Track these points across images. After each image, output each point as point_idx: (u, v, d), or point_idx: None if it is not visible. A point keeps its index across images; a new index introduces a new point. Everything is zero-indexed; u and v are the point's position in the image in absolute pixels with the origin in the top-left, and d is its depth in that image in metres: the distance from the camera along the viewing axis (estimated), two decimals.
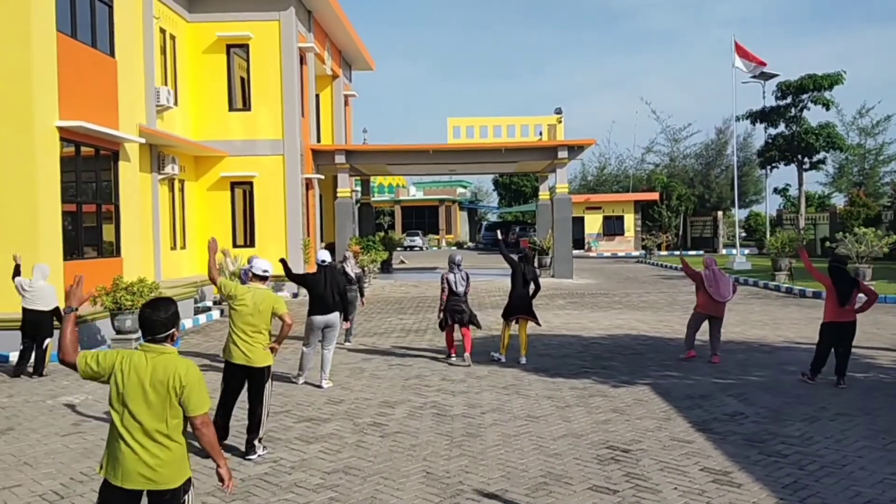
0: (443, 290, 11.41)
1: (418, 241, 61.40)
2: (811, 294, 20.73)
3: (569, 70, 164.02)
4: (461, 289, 11.34)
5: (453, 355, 11.76)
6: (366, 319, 17.21)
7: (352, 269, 13.79)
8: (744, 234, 66.67)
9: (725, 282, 11.63)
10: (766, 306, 18.73)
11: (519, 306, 11.63)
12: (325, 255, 10.43)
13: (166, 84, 22.54)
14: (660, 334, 14.34)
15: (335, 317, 10.15)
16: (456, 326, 11.61)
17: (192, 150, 23.64)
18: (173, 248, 22.84)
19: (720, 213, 49.04)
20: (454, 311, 11.28)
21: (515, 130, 28.78)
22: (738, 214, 65.83)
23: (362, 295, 13.91)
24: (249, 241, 24.93)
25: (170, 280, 21.30)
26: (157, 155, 21.51)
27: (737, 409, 8.53)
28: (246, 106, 24.76)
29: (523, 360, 11.51)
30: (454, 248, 65.95)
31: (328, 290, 10.05)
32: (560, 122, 28.17)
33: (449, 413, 8.56)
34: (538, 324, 11.89)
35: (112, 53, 17.29)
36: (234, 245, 24.70)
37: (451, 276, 11.36)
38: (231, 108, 24.69)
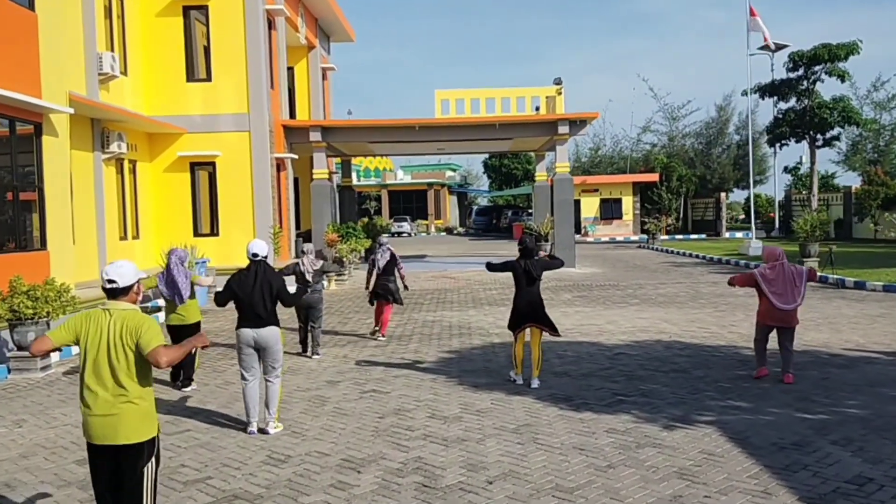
0: (369, 272, 12.53)
1: (406, 226, 58.64)
2: (852, 284, 18.12)
3: (561, 54, 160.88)
4: (382, 264, 12.33)
5: (377, 329, 12.67)
6: (340, 322, 14.48)
7: (309, 266, 11.05)
8: (742, 217, 64.31)
9: (791, 282, 8.86)
10: (808, 300, 16.06)
11: (527, 312, 8.93)
12: (259, 247, 7.62)
13: (112, 50, 19.63)
14: (697, 339, 11.66)
15: (271, 333, 7.38)
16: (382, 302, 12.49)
17: (145, 126, 20.77)
18: (123, 237, 20.02)
19: (723, 195, 46.39)
20: (383, 288, 12.31)
21: (510, 104, 25.97)
22: (740, 196, 63.70)
23: (338, 265, 11.51)
24: (213, 230, 22.16)
25: None
26: (100, 131, 18.63)
27: (859, 471, 5.86)
28: (206, 76, 21.88)
29: (535, 384, 8.79)
30: (443, 233, 63.19)
31: (257, 293, 7.34)
32: (560, 93, 25.40)
33: (440, 482, 5.84)
34: (555, 333, 9.13)
35: (31, 6, 14.37)
36: (196, 234, 21.96)
37: (376, 257, 12.44)
38: (189, 79, 21.81)
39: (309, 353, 11.15)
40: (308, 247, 11.45)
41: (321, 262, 11.37)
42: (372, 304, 12.65)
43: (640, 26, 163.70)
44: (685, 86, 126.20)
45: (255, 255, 7.52)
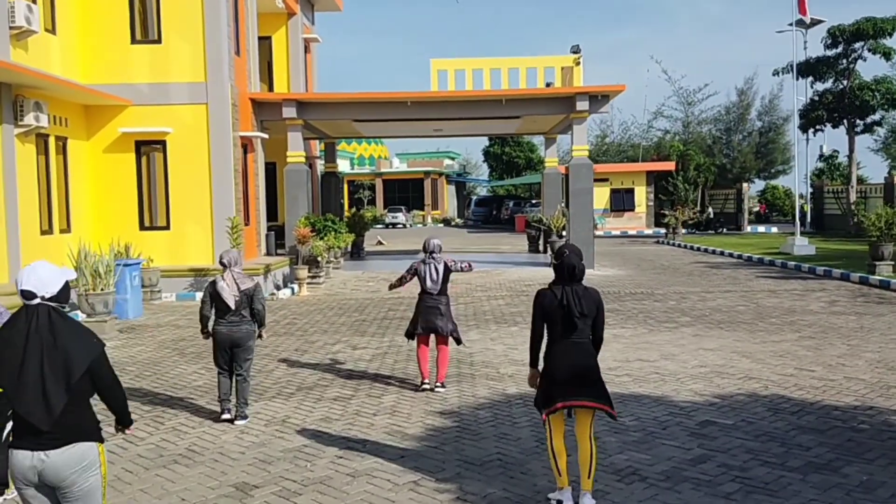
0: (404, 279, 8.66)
1: (401, 217, 54.99)
2: None
3: (559, 43, 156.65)
4: (433, 285, 8.37)
5: (426, 381, 8.47)
6: (298, 350, 10.74)
7: (231, 285, 7.30)
8: (757, 210, 60.50)
9: None
10: None
11: (570, 380, 5.08)
12: (38, 279, 3.61)
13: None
14: (809, 394, 7.92)
15: (71, 458, 3.54)
16: (431, 338, 8.54)
17: (76, 96, 16.99)
18: (47, 231, 16.26)
19: (745, 186, 42.57)
20: (430, 318, 8.36)
21: (519, 76, 22.20)
22: (755, 188, 59.73)
23: (261, 325, 7.51)
24: (164, 222, 18.42)
25: None
26: (10, 99, 14.87)
27: None
28: (156, 37, 18.12)
29: None
30: (440, 225, 59.44)
31: (32, 377, 3.45)
32: (578, 63, 21.62)
33: None
34: (612, 414, 5.21)
35: None
36: (143, 227, 18.28)
37: (421, 270, 8.48)
38: (135, 40, 18.07)
39: (231, 416, 7.40)
40: (232, 256, 7.52)
41: (252, 281, 7.48)
42: (411, 339, 8.66)
43: (639, 15, 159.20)
44: (699, 70, 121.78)
45: (27, 293, 3.57)
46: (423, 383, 8.44)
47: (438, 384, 8.36)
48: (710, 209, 33.87)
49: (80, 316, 12.71)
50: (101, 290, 12.13)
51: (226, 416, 7.37)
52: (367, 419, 7.24)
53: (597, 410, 5.15)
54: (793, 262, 20.80)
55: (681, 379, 8.58)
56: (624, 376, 8.67)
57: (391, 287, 8.93)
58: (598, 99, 20.72)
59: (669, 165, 43.28)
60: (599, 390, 5.14)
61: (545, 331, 5.23)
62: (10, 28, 14.81)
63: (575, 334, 5.13)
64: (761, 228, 41.56)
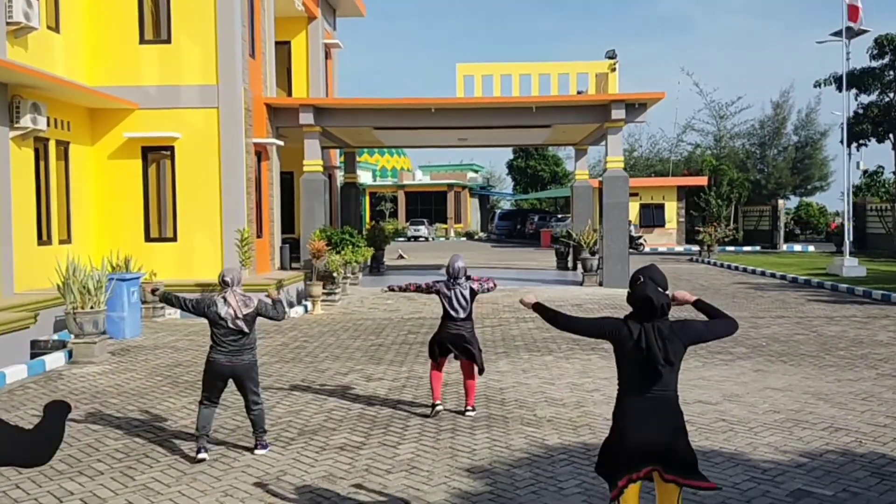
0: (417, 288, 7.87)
1: (423, 230, 53.88)
2: None
3: (583, 57, 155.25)
4: (460, 312, 7.55)
5: (438, 403, 7.70)
6: (306, 378, 9.49)
7: (235, 308, 6.19)
8: (792, 227, 58.63)
9: None
10: None
11: (649, 444, 3.82)
12: None
13: None
14: None
15: None
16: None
17: (80, 98, 15.96)
18: (45, 241, 15.21)
19: (781, 202, 40.88)
20: (455, 339, 7.57)
21: (550, 83, 20.92)
22: (790, 204, 58.00)
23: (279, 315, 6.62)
24: (171, 233, 17.34)
25: (23, 292, 13.71)
26: (5, 99, 13.84)
27: None
28: (165, 37, 17.10)
29: None
30: (463, 238, 58.18)
31: None
32: (613, 69, 20.32)
33: None
34: (701, 486, 3.92)
35: None
36: (149, 239, 17.24)
37: (444, 293, 7.59)
38: (143, 40, 17.07)
39: (206, 456, 6.33)
40: (236, 275, 6.43)
41: (252, 305, 6.32)
42: (435, 360, 7.79)
43: (661, 30, 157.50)
44: (726, 85, 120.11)
45: None
46: (434, 405, 7.70)
47: (469, 408, 7.75)
48: (632, 226, 31.67)
49: (69, 337, 11.55)
50: (91, 307, 10.96)
51: (201, 455, 6.38)
52: (378, 478, 5.94)
53: (684, 486, 3.92)
54: (844, 285, 19.27)
55: (753, 429, 7.20)
56: (694, 432, 7.30)
57: (393, 289, 8.09)
58: (635, 107, 19.39)
59: (701, 180, 41.80)
60: (688, 461, 3.90)
61: (618, 372, 4.04)
62: (7, 24, 13.88)
63: (657, 386, 3.89)
64: (797, 247, 39.90)
